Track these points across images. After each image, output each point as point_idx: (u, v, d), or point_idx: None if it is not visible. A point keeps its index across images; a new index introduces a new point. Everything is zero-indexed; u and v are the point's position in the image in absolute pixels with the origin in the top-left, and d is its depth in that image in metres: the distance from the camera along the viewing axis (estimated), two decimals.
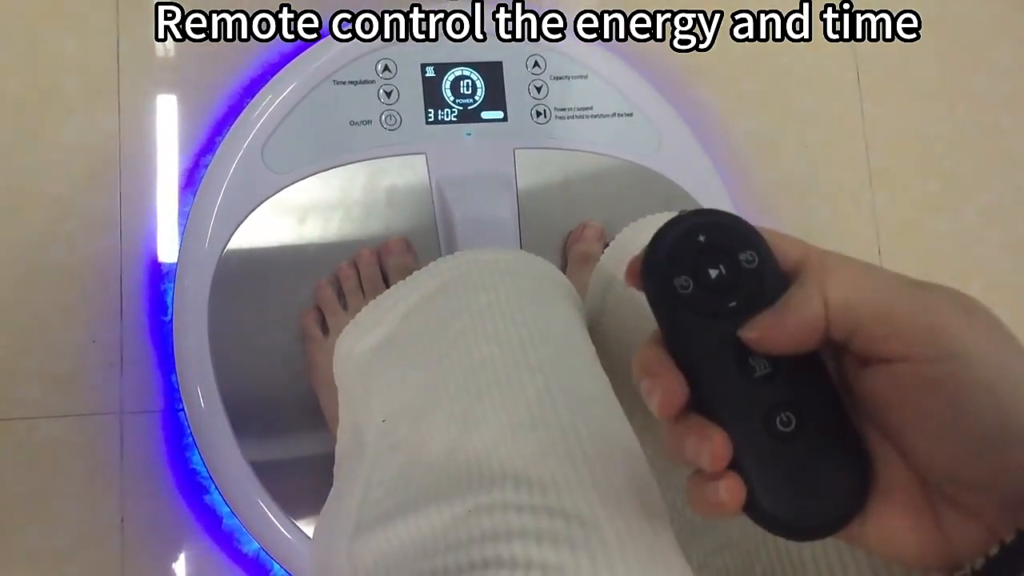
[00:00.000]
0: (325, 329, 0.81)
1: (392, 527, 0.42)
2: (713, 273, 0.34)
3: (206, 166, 0.88)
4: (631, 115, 0.91)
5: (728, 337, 0.33)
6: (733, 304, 0.34)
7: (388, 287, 0.81)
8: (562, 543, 0.36)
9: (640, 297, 0.59)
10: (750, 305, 0.33)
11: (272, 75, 0.89)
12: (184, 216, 0.88)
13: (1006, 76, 1.12)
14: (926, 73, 1.10)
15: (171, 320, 0.85)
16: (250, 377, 0.81)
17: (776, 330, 0.32)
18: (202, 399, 0.80)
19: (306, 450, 0.81)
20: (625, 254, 0.63)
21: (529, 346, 0.49)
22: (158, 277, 0.88)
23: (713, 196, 0.91)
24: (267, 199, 0.83)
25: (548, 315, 0.53)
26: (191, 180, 0.89)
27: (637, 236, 0.62)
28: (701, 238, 0.35)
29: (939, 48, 1.10)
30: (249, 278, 0.82)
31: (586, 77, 0.91)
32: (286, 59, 0.90)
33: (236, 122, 0.85)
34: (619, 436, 0.44)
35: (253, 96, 0.88)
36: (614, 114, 0.91)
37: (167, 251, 0.88)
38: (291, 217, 0.84)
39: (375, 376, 0.55)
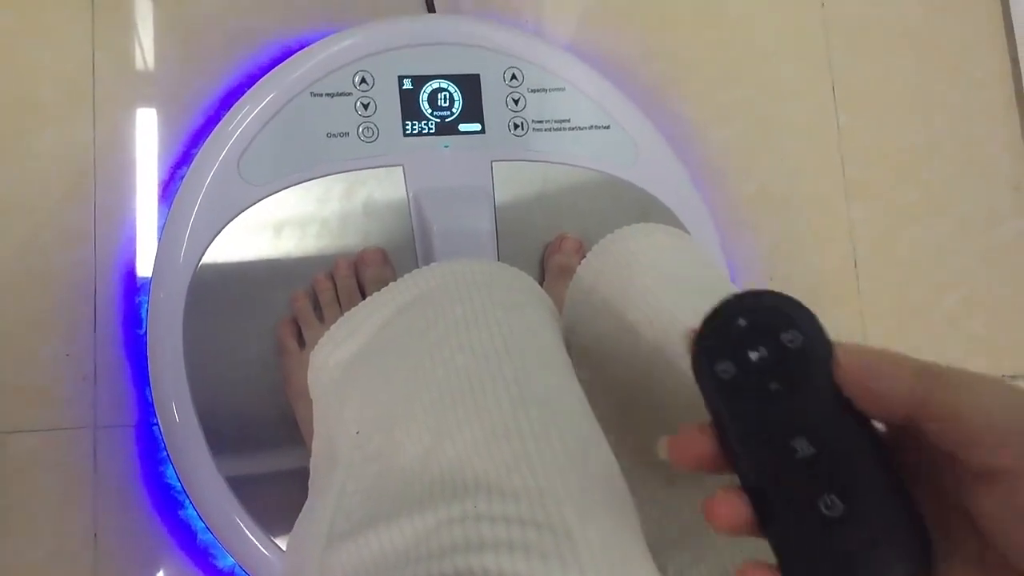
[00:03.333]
0: (301, 341, 0.81)
1: (364, 538, 0.42)
2: (754, 356, 0.33)
3: (182, 178, 0.88)
4: (608, 127, 0.92)
5: (772, 420, 0.32)
6: (775, 386, 0.33)
7: (360, 298, 0.81)
8: (534, 553, 0.36)
9: (616, 308, 0.59)
10: (793, 386, 0.33)
11: (249, 87, 0.88)
12: (159, 229, 0.87)
13: (980, 87, 1.13)
14: (901, 84, 1.11)
15: (145, 333, 0.85)
16: (225, 390, 0.80)
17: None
18: (177, 413, 0.80)
19: (282, 464, 0.80)
20: (601, 265, 0.63)
21: (504, 356, 0.48)
22: (133, 290, 0.87)
23: (690, 208, 0.92)
24: (243, 211, 0.83)
25: (523, 325, 0.53)
26: (167, 192, 0.89)
27: (614, 247, 0.62)
28: (741, 322, 0.34)
29: (914, 59, 1.11)
30: (225, 291, 0.82)
31: (563, 90, 0.91)
32: (264, 71, 0.90)
33: (212, 134, 0.85)
34: (593, 447, 0.44)
35: (230, 108, 0.88)
36: (591, 126, 0.91)
37: (142, 264, 0.87)
38: (267, 229, 0.83)
39: (349, 387, 0.55)
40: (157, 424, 0.83)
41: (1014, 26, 1.14)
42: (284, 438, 0.80)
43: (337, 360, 0.57)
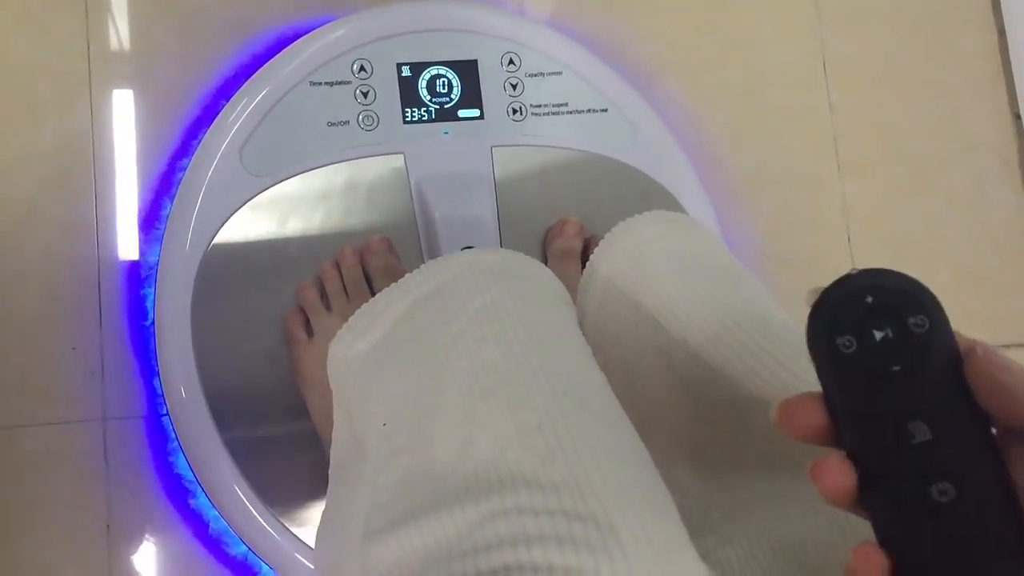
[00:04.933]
0: (309, 331, 0.81)
1: (405, 533, 0.42)
2: (878, 335, 0.33)
3: (182, 169, 0.88)
4: (606, 110, 0.92)
5: (889, 401, 0.33)
6: (897, 368, 0.33)
7: (371, 288, 0.82)
8: (581, 546, 0.37)
9: (632, 298, 0.60)
10: (915, 370, 0.33)
11: (246, 77, 0.88)
12: (162, 220, 0.88)
13: (968, 63, 1.14)
14: (890, 62, 1.12)
15: (151, 325, 0.85)
16: (235, 379, 0.81)
17: None
18: (187, 403, 0.80)
19: (293, 451, 0.81)
20: (614, 255, 0.64)
21: (529, 347, 0.49)
22: (137, 282, 0.87)
23: (689, 190, 0.93)
24: (247, 202, 0.83)
25: (544, 316, 0.54)
26: (167, 184, 0.89)
27: (625, 237, 0.63)
28: (869, 299, 0.34)
29: (902, 36, 1.12)
30: (231, 281, 0.82)
31: (561, 73, 0.92)
32: (260, 61, 0.90)
33: (213, 125, 0.85)
34: (624, 436, 0.45)
35: (228, 98, 0.88)
36: (589, 110, 0.92)
37: (145, 256, 0.88)
38: (271, 219, 0.84)
39: (372, 380, 0.55)
40: (166, 415, 0.83)
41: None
42: (295, 425, 0.81)
43: (357, 352, 0.58)
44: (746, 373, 0.52)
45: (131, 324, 0.87)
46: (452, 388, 0.49)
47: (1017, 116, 1.15)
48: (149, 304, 0.87)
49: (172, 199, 0.86)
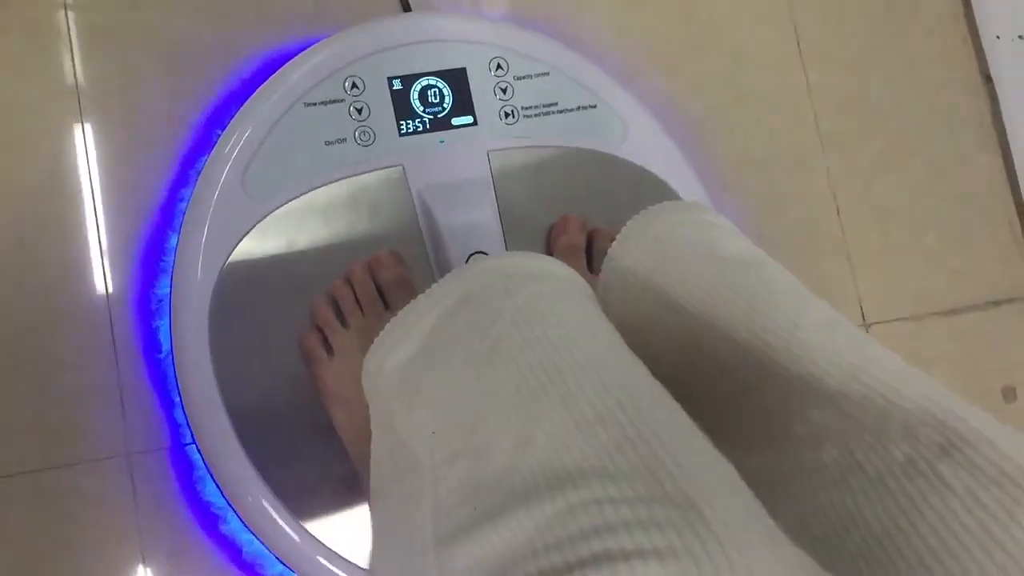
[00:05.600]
0: (329, 348, 0.82)
1: (482, 534, 0.43)
2: None
3: (183, 200, 0.89)
4: (595, 107, 0.94)
5: None
6: None
7: (384, 301, 0.83)
8: (667, 528, 0.38)
9: (654, 288, 0.61)
10: None
11: (237, 102, 0.89)
12: (168, 252, 0.88)
13: (935, 31, 1.17)
14: (861, 38, 1.14)
15: (167, 356, 0.86)
16: (259, 401, 0.82)
17: None
18: (213, 429, 0.81)
19: (322, 467, 0.82)
20: (634, 246, 0.65)
21: (571, 345, 0.51)
22: (148, 315, 0.88)
23: (681, 177, 0.94)
24: (253, 227, 0.84)
25: (576, 313, 0.55)
26: (168, 215, 0.90)
27: (643, 230, 0.65)
28: None
29: (871, 11, 1.15)
30: (246, 305, 0.83)
31: (548, 74, 0.93)
32: (250, 86, 0.91)
33: (212, 154, 0.85)
34: (681, 419, 0.47)
35: (222, 126, 0.88)
36: (579, 107, 0.94)
37: (154, 289, 0.88)
38: (280, 241, 0.84)
39: (414, 390, 0.57)
40: (190, 443, 0.84)
41: None
42: (322, 441, 0.81)
43: (393, 365, 0.59)
44: (774, 352, 0.54)
45: (147, 357, 0.87)
46: (501, 390, 0.50)
47: (987, 78, 1.18)
48: (162, 336, 0.87)
49: (177, 230, 0.87)
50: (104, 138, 0.90)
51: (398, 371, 0.59)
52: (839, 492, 0.50)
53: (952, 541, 0.43)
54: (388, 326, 0.61)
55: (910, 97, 1.15)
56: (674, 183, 0.94)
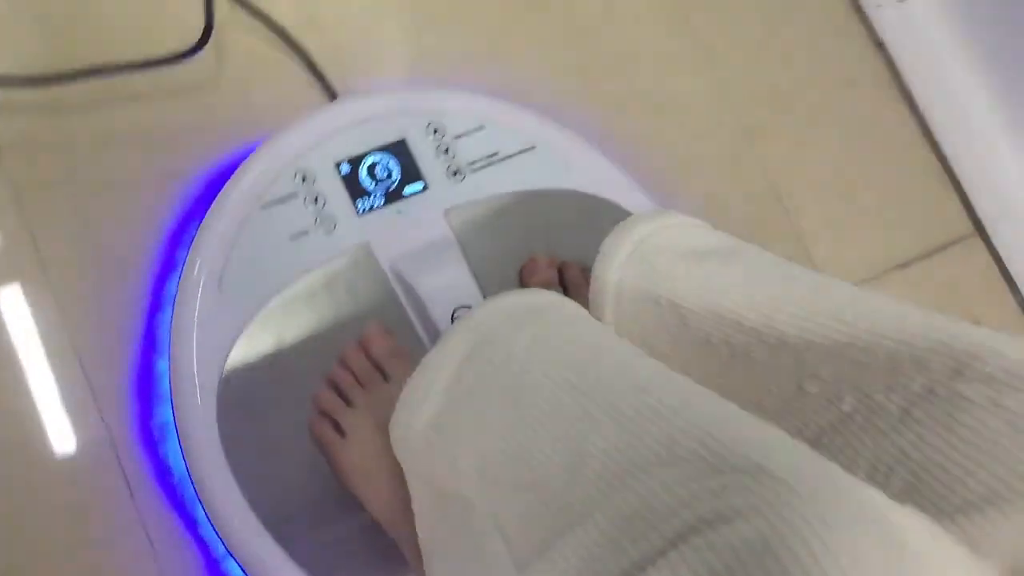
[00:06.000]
0: (340, 430, 0.84)
1: (559, 554, 0.45)
2: None
3: (160, 324, 0.90)
4: (534, 147, 0.98)
5: None
6: None
7: (382, 373, 0.85)
8: (740, 490, 0.40)
9: (648, 294, 0.65)
10: None
11: (197, 219, 0.91)
12: (159, 377, 0.89)
13: (823, 9, 1.25)
14: (754, 29, 1.21)
15: (182, 480, 0.86)
16: (285, 498, 0.83)
17: None
18: (246, 536, 0.81)
19: (362, 548, 0.83)
20: (616, 261, 0.69)
21: (594, 360, 0.53)
22: (153, 445, 0.89)
23: (630, 195, 0.99)
24: (241, 333, 0.85)
25: (585, 331, 0.58)
26: (151, 342, 0.91)
27: (620, 244, 0.68)
28: None
29: (758, 1, 1.22)
30: (250, 412, 0.84)
31: (483, 127, 0.97)
32: (203, 202, 0.93)
33: (183, 274, 0.87)
34: (720, 402, 0.49)
35: (186, 245, 0.90)
36: (519, 151, 0.97)
37: (153, 417, 0.89)
38: (269, 342, 0.86)
39: (453, 441, 0.59)
40: (225, 556, 0.84)
41: None
42: (356, 525, 0.83)
43: (422, 424, 0.61)
44: (780, 323, 0.57)
45: (162, 486, 0.88)
46: (540, 416, 0.52)
47: (879, 44, 1.25)
48: (172, 461, 0.88)
49: (164, 354, 0.88)
50: (71, 283, 0.91)
51: (429, 428, 0.61)
52: (871, 436, 0.53)
53: (987, 446, 0.46)
54: (406, 389, 0.63)
55: (814, 74, 1.22)
56: (625, 202, 0.98)
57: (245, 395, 0.85)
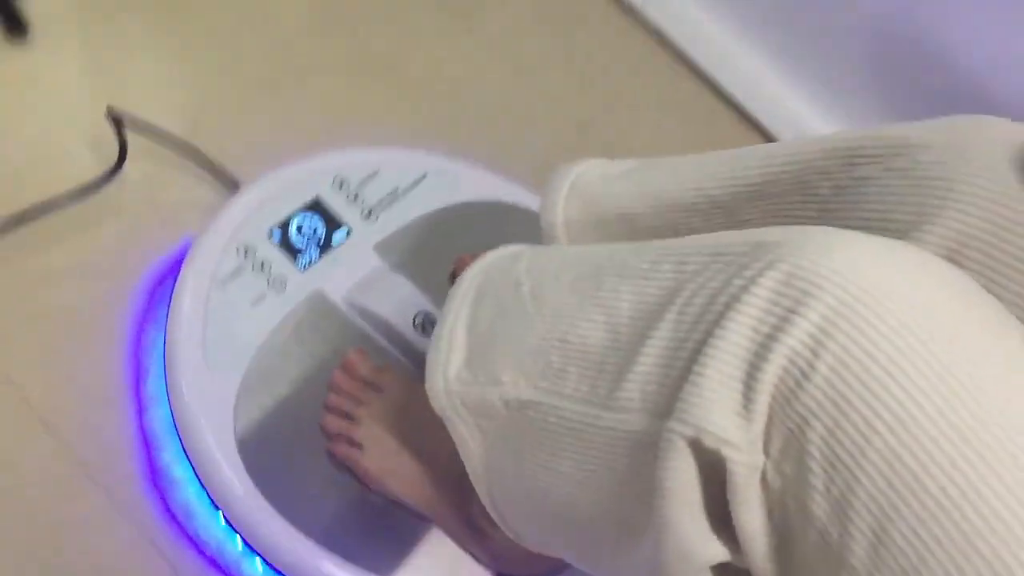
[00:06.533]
0: (356, 444, 0.93)
1: (630, 375, 0.58)
2: None
3: (154, 420, 0.97)
4: (426, 175, 1.12)
5: None
6: None
7: (373, 390, 0.95)
8: (752, 262, 0.53)
9: (596, 220, 0.80)
10: None
11: (156, 313, 1.00)
12: (168, 467, 0.96)
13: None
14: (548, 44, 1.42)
15: (220, 553, 0.93)
16: (332, 528, 0.92)
17: None
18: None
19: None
20: (555, 207, 0.83)
21: (591, 255, 0.67)
22: (179, 524, 0.95)
23: (518, 190, 1.15)
24: (237, 397, 0.94)
25: (569, 248, 0.72)
26: (150, 439, 0.97)
27: (552, 198, 0.83)
28: None
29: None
30: (275, 462, 0.93)
31: (378, 171, 1.10)
32: (159, 295, 1.01)
33: (169, 362, 0.95)
34: (708, 234, 0.64)
35: (155, 348, 0.99)
36: (414, 182, 1.11)
37: (174, 498, 0.95)
38: (265, 398, 0.95)
39: (490, 364, 0.69)
40: None
41: None
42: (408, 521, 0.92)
43: (456, 369, 0.72)
44: (708, 198, 0.74)
45: (207, 562, 0.94)
46: (566, 308, 0.65)
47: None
48: (202, 537, 0.94)
49: (173, 443, 0.95)
50: (60, 414, 0.96)
51: (465, 368, 0.71)
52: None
53: (895, 197, 0.63)
54: (431, 348, 0.74)
55: (619, 76, 1.43)
56: (516, 197, 1.13)
57: (263, 449, 0.93)
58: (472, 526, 0.90)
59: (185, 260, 1.00)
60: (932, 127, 0.66)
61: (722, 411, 0.52)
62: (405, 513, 0.93)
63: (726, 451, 0.52)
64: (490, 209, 1.12)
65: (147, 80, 1.18)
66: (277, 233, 1.03)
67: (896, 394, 0.48)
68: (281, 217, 1.04)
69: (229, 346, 0.96)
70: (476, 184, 1.14)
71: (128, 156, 1.06)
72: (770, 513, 0.53)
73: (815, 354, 0.50)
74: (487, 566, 0.93)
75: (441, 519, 0.92)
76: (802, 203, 0.69)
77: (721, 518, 0.55)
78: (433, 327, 0.95)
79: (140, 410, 0.99)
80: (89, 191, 1.04)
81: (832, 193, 0.68)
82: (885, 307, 0.50)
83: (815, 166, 0.69)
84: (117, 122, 1.05)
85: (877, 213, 0.64)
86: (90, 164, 1.06)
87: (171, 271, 1.03)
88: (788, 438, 0.50)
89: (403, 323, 1.00)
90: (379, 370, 0.95)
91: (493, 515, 0.77)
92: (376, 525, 0.94)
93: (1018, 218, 0.59)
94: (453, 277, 1.05)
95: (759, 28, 1.42)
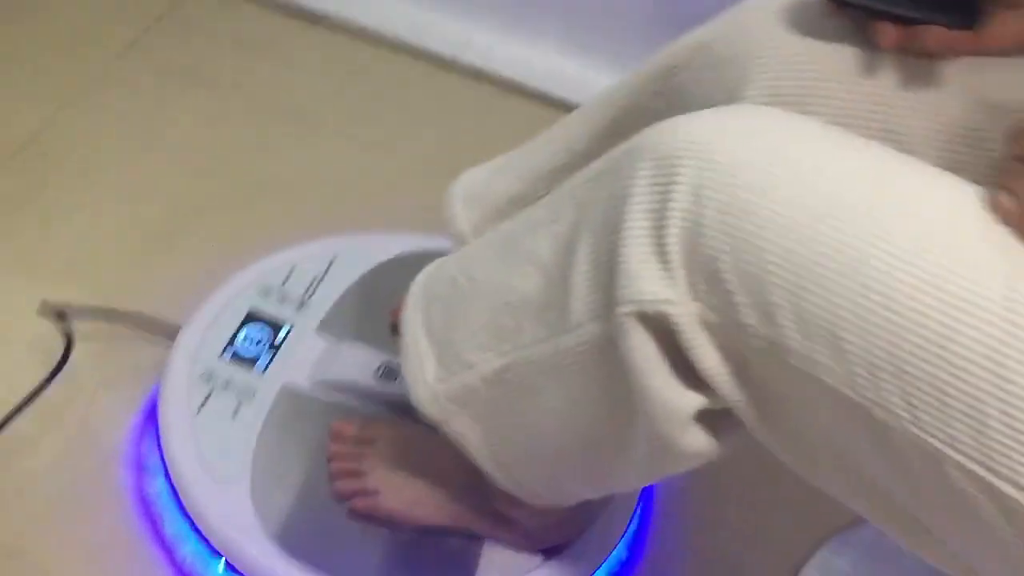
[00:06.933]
0: (372, 493, 1.00)
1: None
2: None
3: (175, 546, 1.04)
4: (336, 257, 1.23)
5: None
6: None
7: (367, 444, 1.03)
8: (632, 148, 0.68)
9: (498, 216, 0.91)
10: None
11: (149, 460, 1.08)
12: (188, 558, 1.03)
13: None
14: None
15: None
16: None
17: None
18: None
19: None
20: (459, 219, 0.95)
21: (508, 224, 0.79)
22: None
23: (414, 239, 1.26)
24: (251, 505, 1.01)
25: (484, 235, 0.84)
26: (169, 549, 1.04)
27: (450, 205, 0.96)
28: None
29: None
30: (315, 547, 1.00)
31: (293, 269, 1.21)
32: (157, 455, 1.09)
33: (182, 496, 1.02)
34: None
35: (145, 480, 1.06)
36: (328, 265, 1.22)
37: None
38: (278, 494, 1.02)
39: (460, 351, 0.79)
40: None
41: None
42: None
43: (432, 374, 0.81)
44: (584, 149, 0.88)
45: None
46: (500, 278, 0.76)
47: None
48: None
49: (217, 561, 1.02)
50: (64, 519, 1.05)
51: (439, 368, 0.81)
52: None
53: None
54: (403, 365, 0.83)
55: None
56: (422, 246, 1.24)
57: (296, 541, 1.00)
58: (499, 518, 0.98)
59: (159, 406, 1.08)
60: (719, 22, 0.80)
61: (649, 280, 0.63)
62: (441, 538, 1.01)
63: (664, 308, 0.63)
64: (401, 261, 1.23)
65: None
66: (228, 352, 1.12)
67: (770, 207, 0.60)
68: (225, 335, 1.13)
69: (227, 461, 1.04)
70: (381, 246, 1.25)
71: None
72: (720, 347, 0.64)
73: (700, 205, 0.62)
74: (525, 548, 1.01)
75: (471, 523, 1.00)
76: (647, 124, 0.82)
77: (687, 371, 0.66)
78: (395, 372, 1.06)
79: (168, 551, 1.05)
80: (44, 387, 1.12)
81: (666, 107, 0.81)
82: (734, 149, 0.62)
83: (647, 90, 0.83)
84: (60, 315, 1.14)
85: (704, 105, 0.77)
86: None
87: (148, 422, 1.10)
88: (707, 277, 0.62)
89: (368, 379, 1.09)
90: (364, 425, 1.04)
91: (509, 486, 0.86)
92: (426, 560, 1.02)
93: (805, 60, 0.73)
94: (394, 328, 1.15)
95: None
